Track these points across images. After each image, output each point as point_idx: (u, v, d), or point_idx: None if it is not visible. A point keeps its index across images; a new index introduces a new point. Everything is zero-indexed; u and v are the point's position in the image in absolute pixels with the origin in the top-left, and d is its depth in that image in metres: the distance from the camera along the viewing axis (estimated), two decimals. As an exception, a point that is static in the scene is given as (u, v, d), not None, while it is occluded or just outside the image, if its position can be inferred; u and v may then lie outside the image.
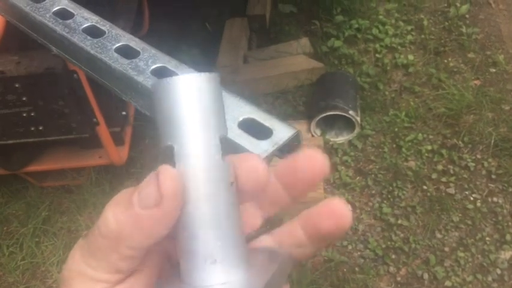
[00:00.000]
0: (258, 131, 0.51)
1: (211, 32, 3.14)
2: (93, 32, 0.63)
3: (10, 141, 2.01)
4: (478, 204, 2.21)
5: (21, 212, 2.41)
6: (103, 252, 0.30)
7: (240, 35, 3.03)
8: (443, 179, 2.31)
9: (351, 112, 2.40)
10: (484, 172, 2.33)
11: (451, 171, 2.34)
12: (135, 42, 0.61)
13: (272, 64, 2.88)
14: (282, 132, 0.50)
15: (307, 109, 2.63)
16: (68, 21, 0.64)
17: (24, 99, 1.85)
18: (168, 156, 0.31)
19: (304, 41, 3.00)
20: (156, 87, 0.32)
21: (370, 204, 2.27)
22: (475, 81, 2.73)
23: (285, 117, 2.64)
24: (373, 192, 2.32)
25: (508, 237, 2.09)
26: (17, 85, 1.80)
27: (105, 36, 0.62)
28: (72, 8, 0.66)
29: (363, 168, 2.41)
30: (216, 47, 2.96)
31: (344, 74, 2.71)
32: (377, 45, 2.96)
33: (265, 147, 0.49)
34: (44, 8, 0.66)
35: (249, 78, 2.81)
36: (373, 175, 2.37)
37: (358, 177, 2.38)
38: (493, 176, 2.30)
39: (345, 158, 2.43)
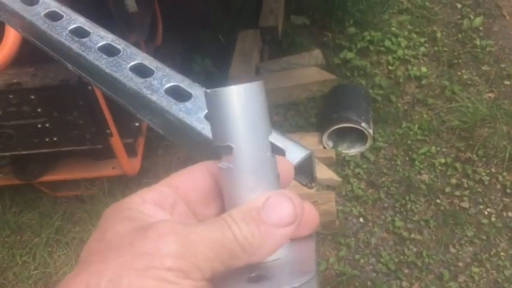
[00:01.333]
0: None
1: (224, 43, 3.16)
2: (109, 51, 0.64)
3: (25, 152, 2.03)
4: (493, 218, 2.19)
5: (34, 222, 2.43)
6: (238, 261, 0.33)
7: (253, 47, 3.05)
8: (457, 193, 2.28)
9: (363, 124, 2.39)
10: (498, 186, 2.30)
11: (465, 185, 2.31)
12: (149, 61, 0.61)
13: (284, 75, 2.89)
14: (294, 153, 0.50)
15: (319, 121, 2.63)
16: (84, 40, 0.65)
17: (39, 110, 1.87)
18: (226, 153, 0.36)
19: (317, 53, 3.00)
20: (212, 96, 0.37)
21: (383, 217, 2.25)
22: (489, 94, 2.70)
23: (296, 128, 2.64)
24: (386, 205, 2.30)
25: (523, 252, 2.06)
26: (32, 96, 1.83)
27: (120, 54, 0.63)
28: (89, 26, 0.67)
29: (375, 180, 2.39)
30: (228, 59, 2.98)
31: (356, 86, 2.71)
32: (390, 57, 2.95)
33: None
34: (60, 27, 0.67)
35: (261, 89, 2.81)
36: (385, 188, 2.35)
37: (370, 190, 2.36)
38: (508, 191, 2.27)
39: (357, 170, 2.42)
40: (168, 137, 0.60)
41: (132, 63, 0.61)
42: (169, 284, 0.29)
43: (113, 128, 1.97)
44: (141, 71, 0.61)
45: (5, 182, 2.31)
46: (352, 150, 2.50)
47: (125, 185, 2.45)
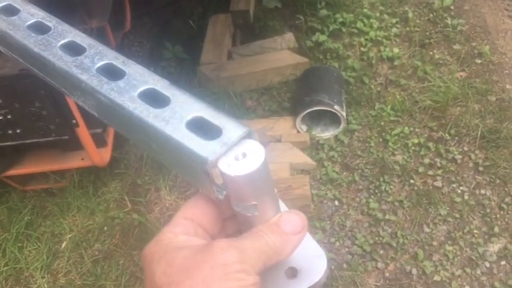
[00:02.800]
0: (207, 130, 0.48)
1: (195, 29, 3.10)
2: (39, 29, 0.60)
3: (-13, 145, 1.96)
4: (466, 197, 2.20)
5: (3, 217, 2.36)
6: (272, 261, 0.45)
7: (224, 32, 3.00)
8: (430, 173, 2.29)
9: (336, 107, 2.37)
10: (471, 164, 2.31)
11: (438, 165, 2.32)
12: (81, 38, 0.57)
13: (256, 60, 2.85)
14: (232, 131, 0.46)
15: (292, 105, 2.61)
16: (13, 18, 0.61)
17: (-1, 101, 1.81)
18: (251, 209, 0.45)
19: (289, 36, 2.97)
20: (234, 178, 0.44)
21: (357, 199, 2.25)
22: (461, 73, 2.71)
23: (270, 113, 2.61)
24: (360, 187, 2.29)
25: (496, 229, 2.07)
26: (-9, 88, 1.76)
27: (50, 32, 0.58)
28: (19, 4, 0.62)
29: (349, 163, 2.38)
30: (200, 44, 2.93)
31: (328, 69, 2.69)
32: (362, 39, 2.93)
33: (213, 148, 0.45)
34: None
35: (234, 74, 2.78)
36: (360, 170, 2.35)
37: (345, 173, 2.35)
38: (480, 168, 2.28)
39: (331, 153, 2.41)
40: (103, 119, 0.56)
41: (63, 42, 0.57)
42: (243, 280, 0.41)
43: (78, 117, 1.91)
44: (73, 49, 0.57)
45: (-30, 177, 2.24)
46: (326, 134, 2.49)
47: (96, 176, 2.40)
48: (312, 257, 0.50)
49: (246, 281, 0.41)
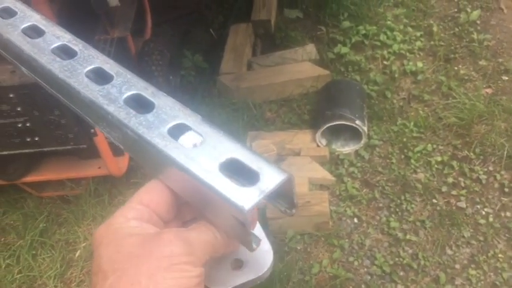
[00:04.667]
0: (243, 174, 0.44)
1: (215, 38, 3.08)
2: (64, 53, 0.56)
3: (5, 152, 1.95)
4: (490, 219, 2.13)
5: (18, 223, 2.35)
6: (218, 253, 0.46)
7: (245, 41, 2.97)
8: (454, 192, 2.22)
9: (357, 122, 2.32)
10: (496, 185, 2.24)
11: (462, 184, 2.25)
12: (108, 65, 0.54)
13: (277, 71, 2.81)
14: (270, 176, 0.42)
15: (312, 118, 2.56)
16: (37, 40, 0.57)
17: (19, 109, 1.79)
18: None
19: (310, 48, 2.92)
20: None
21: (377, 218, 2.19)
22: (487, 90, 2.64)
23: (289, 126, 2.57)
24: (381, 205, 2.23)
25: (522, 254, 2.00)
26: (11, 95, 1.75)
27: (76, 57, 0.55)
28: (44, 24, 0.59)
29: (370, 180, 2.33)
30: (220, 54, 2.90)
31: (350, 82, 2.64)
32: (385, 52, 2.88)
33: (250, 195, 0.41)
34: (12, 25, 0.59)
35: (253, 85, 2.74)
36: (380, 187, 2.29)
37: (365, 190, 2.30)
38: (506, 190, 2.21)
39: (351, 169, 2.35)
40: (129, 153, 0.53)
41: (89, 68, 0.54)
42: (188, 272, 0.41)
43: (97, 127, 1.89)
44: (100, 76, 0.54)
45: (-13, 183, 2.24)
46: (347, 148, 2.43)
47: (112, 184, 2.38)
48: (259, 251, 0.49)
49: (191, 273, 0.41)
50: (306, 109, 2.63)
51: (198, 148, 0.46)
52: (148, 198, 0.46)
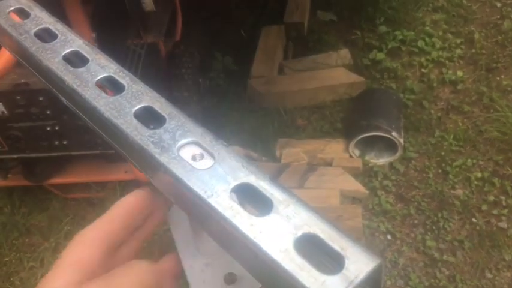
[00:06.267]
0: (321, 253, 0.36)
1: (246, 39, 3.00)
2: (110, 86, 0.49)
3: (33, 155, 1.91)
4: (534, 242, 2.01)
5: (43, 224, 2.32)
6: None
7: (276, 44, 2.89)
8: (495, 212, 2.11)
9: (394, 134, 2.22)
10: (540, 206, 2.12)
11: (504, 203, 2.13)
12: (160, 104, 0.46)
13: (309, 76, 2.72)
14: (358, 261, 0.34)
15: (345, 127, 2.47)
16: (80, 70, 0.50)
17: (48, 112, 1.75)
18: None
19: (344, 52, 2.83)
20: None
21: (413, 235, 2.09)
22: (531, 103, 2.50)
23: (321, 134, 2.48)
24: (416, 222, 2.13)
25: None
26: (41, 98, 1.70)
27: (123, 93, 0.48)
28: (87, 51, 0.52)
29: (405, 194, 2.23)
30: (250, 56, 2.82)
31: (387, 91, 2.54)
32: (423, 59, 2.76)
33: (334, 287, 0.33)
34: (52, 50, 0.52)
35: (285, 90, 2.66)
36: (416, 203, 2.19)
37: (399, 204, 2.20)
38: (551, 211, 2.09)
39: (385, 182, 2.26)
40: (183, 210, 0.46)
41: (139, 106, 0.46)
42: None
43: (125, 132, 1.84)
44: (150, 117, 0.47)
45: (14, 183, 2.21)
46: (381, 160, 2.34)
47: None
48: None
49: None
50: (338, 117, 2.54)
51: (269, 217, 0.38)
52: (79, 255, 0.42)
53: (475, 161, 2.28)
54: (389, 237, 2.10)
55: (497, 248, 2.00)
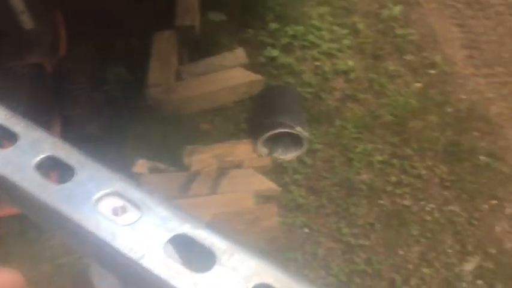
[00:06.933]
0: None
1: (138, 48, 2.88)
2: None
3: None
4: (436, 215, 2.16)
5: None
6: None
7: (170, 49, 2.81)
8: (398, 191, 2.24)
9: (298, 129, 2.26)
10: (436, 180, 2.28)
11: (405, 182, 2.27)
12: (65, 152, 0.40)
13: (207, 79, 2.68)
14: None
15: (250, 126, 2.47)
16: None
17: None
18: None
19: (239, 52, 2.83)
20: None
21: (328, 225, 2.15)
22: (417, 84, 2.69)
23: (227, 136, 2.46)
24: (329, 211, 2.19)
25: (469, 247, 2.05)
26: None
27: (17, 143, 0.41)
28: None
29: (315, 186, 2.28)
30: (145, 64, 2.72)
31: (286, 87, 2.58)
32: (315, 52, 2.85)
33: None
34: None
35: (184, 96, 2.60)
36: (326, 193, 2.25)
37: (311, 197, 2.25)
38: (447, 184, 2.26)
39: (295, 176, 2.30)
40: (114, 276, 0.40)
41: (39, 158, 0.40)
42: None
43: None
44: (54, 168, 0.40)
45: None
46: (289, 155, 2.37)
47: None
48: None
49: None
50: (242, 117, 2.54)
51: (213, 272, 0.34)
52: None
53: (374, 145, 2.40)
54: (306, 230, 2.13)
55: (404, 226, 2.13)
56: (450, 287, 1.95)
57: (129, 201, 0.37)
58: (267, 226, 2.03)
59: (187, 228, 0.35)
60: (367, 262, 2.03)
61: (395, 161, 2.34)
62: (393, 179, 2.28)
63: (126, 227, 0.35)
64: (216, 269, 0.33)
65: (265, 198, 2.22)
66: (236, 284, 0.32)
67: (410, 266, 2.01)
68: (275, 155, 2.36)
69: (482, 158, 2.34)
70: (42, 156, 0.40)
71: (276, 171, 2.32)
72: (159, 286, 0.33)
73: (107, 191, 0.37)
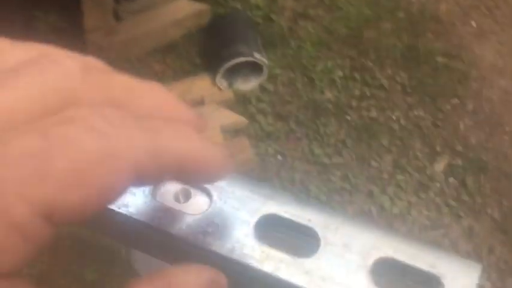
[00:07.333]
0: (406, 279, 0.28)
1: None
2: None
3: None
4: (402, 122, 2.19)
5: None
6: None
7: (103, -13, 2.57)
8: (364, 104, 2.24)
9: (256, 55, 2.18)
10: (398, 87, 2.29)
11: (368, 94, 2.27)
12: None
13: (150, 16, 2.50)
14: (459, 278, 0.27)
15: (205, 60, 2.36)
16: None
17: None
18: None
19: (179, -19, 2.63)
20: None
21: (300, 149, 2.14)
22: (366, -8, 2.62)
23: (182, 74, 2.34)
24: (299, 135, 2.18)
25: (437, 148, 2.11)
26: None
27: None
28: None
29: (281, 111, 2.24)
30: (78, 8, 2.48)
31: (236, 14, 2.45)
32: (257, -29, 2.69)
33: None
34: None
35: (129, 37, 2.43)
36: (293, 117, 2.22)
37: (279, 123, 2.21)
38: (408, 90, 2.28)
39: (260, 105, 2.24)
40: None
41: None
42: None
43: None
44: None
45: None
46: (250, 84, 2.30)
47: None
48: None
49: None
50: (194, 52, 2.41)
51: (322, 253, 0.29)
52: None
53: (333, 61, 2.36)
54: (279, 157, 2.12)
55: (374, 137, 2.15)
56: (425, 189, 2.02)
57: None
58: (242, 160, 2.00)
59: (274, 206, 0.30)
60: (344, 179, 2.05)
61: (356, 74, 2.32)
62: (357, 93, 2.27)
63: (199, 216, 0.29)
64: (323, 249, 0.28)
65: (233, 132, 2.17)
66: (353, 263, 0.27)
67: (385, 176, 2.06)
68: (236, 86, 2.28)
69: (439, 59, 2.35)
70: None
71: (240, 103, 2.25)
72: (264, 281, 0.28)
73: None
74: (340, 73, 2.32)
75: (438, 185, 2.02)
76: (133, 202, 0.29)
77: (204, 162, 0.22)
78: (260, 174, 2.06)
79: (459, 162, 2.08)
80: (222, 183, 0.30)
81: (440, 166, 2.07)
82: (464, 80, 2.31)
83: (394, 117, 2.21)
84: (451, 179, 2.04)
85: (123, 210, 0.29)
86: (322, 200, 2.00)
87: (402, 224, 1.95)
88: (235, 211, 0.29)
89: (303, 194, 2.03)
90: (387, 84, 2.30)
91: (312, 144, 2.14)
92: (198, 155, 0.22)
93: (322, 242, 0.28)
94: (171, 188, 0.30)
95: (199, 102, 2.22)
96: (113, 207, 0.29)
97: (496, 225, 1.95)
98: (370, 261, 0.28)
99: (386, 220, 1.96)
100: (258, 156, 2.11)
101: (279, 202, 0.29)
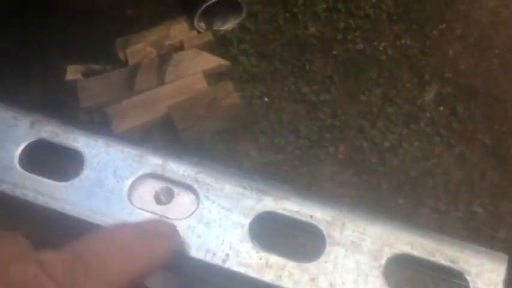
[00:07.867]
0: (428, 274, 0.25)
1: None
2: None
3: None
4: (389, 52, 2.13)
5: None
6: None
7: None
8: (349, 37, 2.16)
9: (234, -7, 2.06)
10: (384, 16, 2.21)
11: (354, 26, 2.19)
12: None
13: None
14: (485, 272, 0.23)
15: (180, 3, 2.23)
16: None
17: None
18: None
19: None
20: None
21: (286, 88, 2.08)
22: None
23: (158, 19, 2.22)
24: (285, 74, 2.11)
25: (426, 77, 2.06)
26: None
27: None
28: None
29: (264, 50, 2.16)
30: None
31: None
32: None
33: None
34: None
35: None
36: (277, 55, 2.15)
37: (263, 63, 2.14)
38: (394, 18, 2.20)
39: (242, 46, 2.16)
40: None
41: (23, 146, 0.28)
42: None
43: None
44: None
45: None
46: (229, 25, 2.20)
47: None
48: None
49: None
50: (169, -7, 2.28)
51: (328, 255, 0.25)
52: None
53: (315, -7, 2.25)
54: (266, 99, 2.07)
55: (362, 71, 2.09)
56: (415, 120, 1.99)
57: (172, 181, 0.26)
58: (228, 105, 1.95)
59: (270, 202, 0.25)
60: (333, 115, 2.02)
61: (340, 5, 2.22)
62: (342, 25, 2.18)
63: (185, 221, 0.25)
64: (329, 250, 0.24)
65: (216, 76, 2.10)
66: (364, 265, 0.24)
67: (374, 109, 2.02)
68: (215, 27, 2.18)
69: (425, -18, 2.25)
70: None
71: (221, 45, 2.16)
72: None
73: (139, 173, 0.26)
74: (324, 5, 2.22)
75: (428, 114, 2.00)
76: (108, 209, 0.25)
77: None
78: (247, 118, 2.01)
79: (449, 89, 2.04)
80: (208, 179, 0.25)
81: (430, 95, 2.04)
82: (451, 3, 2.23)
83: (381, 48, 2.14)
84: (442, 108, 2.01)
85: (99, 221, 0.25)
86: (312, 139, 1.97)
87: (394, 157, 1.94)
88: (226, 212, 0.25)
89: (292, 135, 1.99)
90: (372, 14, 2.21)
91: (299, 83, 2.08)
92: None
93: (327, 242, 0.24)
94: (151, 187, 0.26)
95: (178, 48, 2.13)
96: (87, 216, 0.25)
97: (488, 150, 1.95)
98: (383, 260, 0.24)
99: (379, 154, 1.94)
100: (244, 99, 2.06)
101: (276, 197, 0.25)
